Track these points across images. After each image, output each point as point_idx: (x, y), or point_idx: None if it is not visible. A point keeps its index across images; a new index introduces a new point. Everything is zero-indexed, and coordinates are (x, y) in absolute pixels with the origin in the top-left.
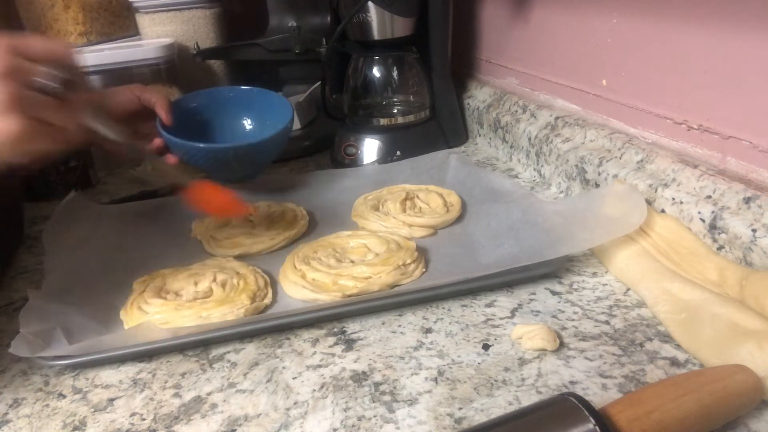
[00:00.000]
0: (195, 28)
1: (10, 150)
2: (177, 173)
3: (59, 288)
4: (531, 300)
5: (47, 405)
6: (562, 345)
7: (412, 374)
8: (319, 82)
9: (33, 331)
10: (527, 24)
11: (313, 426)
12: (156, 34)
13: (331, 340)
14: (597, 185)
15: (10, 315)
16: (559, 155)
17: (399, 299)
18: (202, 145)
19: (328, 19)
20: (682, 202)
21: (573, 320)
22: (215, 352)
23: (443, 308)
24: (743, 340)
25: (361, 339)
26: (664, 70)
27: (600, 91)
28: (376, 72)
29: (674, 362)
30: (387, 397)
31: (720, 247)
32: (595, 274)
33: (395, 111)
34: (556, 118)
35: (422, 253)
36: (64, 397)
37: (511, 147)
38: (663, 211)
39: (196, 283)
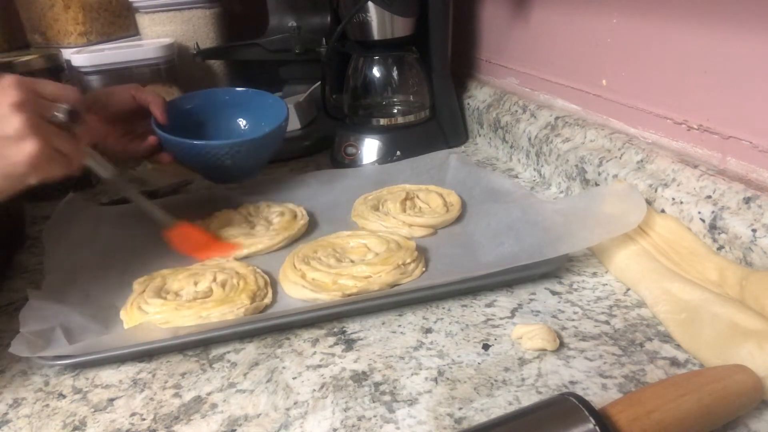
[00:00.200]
0: (195, 28)
1: (27, 173)
2: (160, 215)
3: (59, 288)
4: (531, 300)
5: (47, 405)
6: (562, 345)
7: (412, 374)
8: (319, 82)
9: (33, 331)
10: (527, 24)
11: (313, 426)
12: (156, 34)
13: (331, 340)
14: (597, 185)
15: (10, 315)
16: (559, 155)
17: (399, 299)
18: (196, 142)
19: (328, 19)
20: (682, 202)
21: (573, 320)
22: (215, 352)
23: (443, 308)
24: (743, 340)
25: (361, 339)
26: (664, 70)
27: (600, 91)
28: (376, 72)
29: (674, 362)
30: (387, 397)
31: (720, 247)
32: (595, 274)
33: (395, 111)
34: (556, 118)
35: (422, 253)
36: (64, 397)
37: (511, 147)
38: (663, 211)
39: (196, 283)
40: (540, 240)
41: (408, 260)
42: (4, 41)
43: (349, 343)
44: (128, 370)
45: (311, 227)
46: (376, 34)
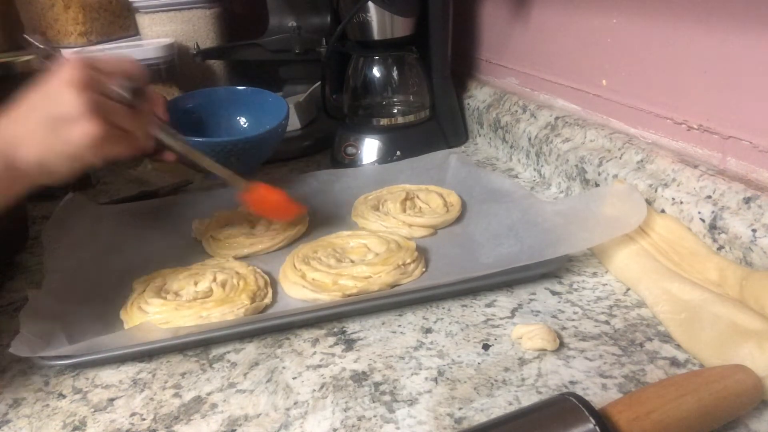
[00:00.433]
0: (195, 28)
1: (90, 152)
2: (233, 177)
3: (59, 288)
4: (531, 300)
5: (47, 405)
6: (562, 345)
7: (412, 374)
8: (319, 82)
9: (33, 331)
10: (527, 24)
11: (313, 426)
12: (156, 34)
13: (331, 340)
14: (597, 185)
15: (10, 315)
16: (559, 155)
17: (399, 299)
18: (199, 139)
19: (328, 19)
20: (682, 202)
21: (573, 320)
22: (215, 352)
23: (443, 308)
24: (743, 340)
25: (361, 339)
26: (664, 70)
27: (600, 91)
28: (376, 72)
29: (674, 362)
30: (387, 397)
31: (720, 247)
32: (595, 274)
33: (395, 111)
34: (556, 118)
35: (422, 253)
36: (64, 397)
37: (511, 147)
38: (663, 211)
39: (196, 283)
40: (540, 241)
41: (408, 260)
42: (4, 41)
43: (349, 343)
44: (128, 370)
45: (311, 227)
46: (376, 34)
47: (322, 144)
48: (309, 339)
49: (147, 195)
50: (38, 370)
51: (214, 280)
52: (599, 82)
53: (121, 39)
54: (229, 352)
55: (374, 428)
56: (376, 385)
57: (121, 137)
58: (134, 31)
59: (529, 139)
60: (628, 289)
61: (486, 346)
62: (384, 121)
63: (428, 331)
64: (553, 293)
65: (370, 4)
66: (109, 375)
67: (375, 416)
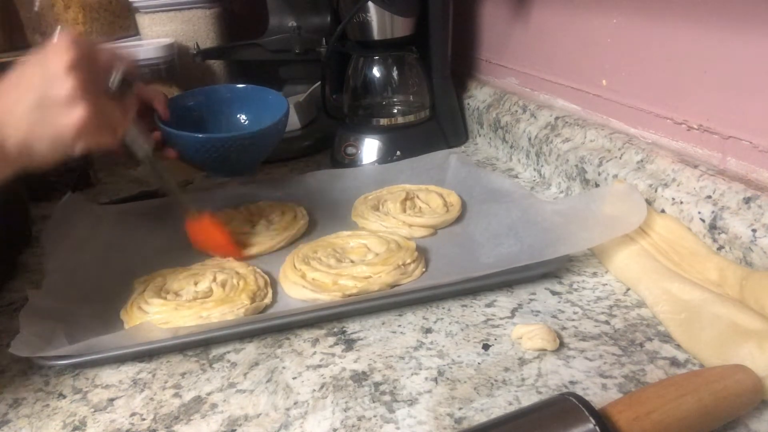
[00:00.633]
0: (195, 28)
1: (74, 137)
2: (185, 203)
3: (59, 288)
4: (531, 300)
5: (47, 405)
6: (562, 345)
7: (412, 374)
8: (319, 82)
9: (33, 331)
10: (527, 24)
11: (313, 426)
12: (156, 34)
13: (331, 340)
14: (597, 185)
15: (10, 315)
16: (559, 155)
17: (399, 299)
18: (200, 135)
19: (328, 19)
20: (682, 202)
21: (573, 320)
22: (215, 352)
23: (443, 308)
24: (743, 340)
25: (361, 339)
26: (664, 70)
27: (600, 91)
28: (376, 72)
29: (674, 362)
30: (387, 397)
31: (720, 247)
32: (595, 274)
33: (395, 111)
34: (556, 118)
35: (422, 253)
36: (64, 397)
37: (511, 147)
38: (663, 211)
39: (196, 283)
40: (540, 241)
41: (408, 260)
42: (4, 41)
43: (349, 343)
44: (128, 370)
45: (311, 227)
46: (376, 34)
47: (322, 144)
48: (309, 339)
49: (147, 195)
50: (38, 370)
51: (214, 280)
52: (599, 82)
53: (121, 39)
54: (229, 352)
55: (374, 428)
56: (376, 385)
57: (104, 128)
58: (134, 31)
59: (529, 139)
60: (628, 289)
61: (486, 346)
62: (384, 121)
63: (428, 331)
64: (553, 293)
65: (370, 4)
66: (109, 375)
67: (375, 416)
